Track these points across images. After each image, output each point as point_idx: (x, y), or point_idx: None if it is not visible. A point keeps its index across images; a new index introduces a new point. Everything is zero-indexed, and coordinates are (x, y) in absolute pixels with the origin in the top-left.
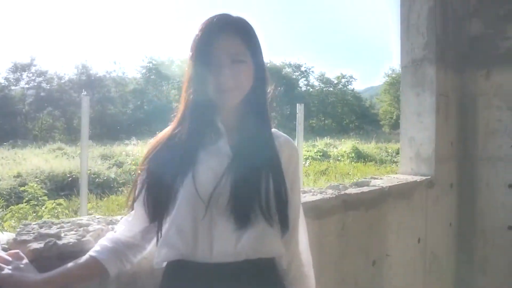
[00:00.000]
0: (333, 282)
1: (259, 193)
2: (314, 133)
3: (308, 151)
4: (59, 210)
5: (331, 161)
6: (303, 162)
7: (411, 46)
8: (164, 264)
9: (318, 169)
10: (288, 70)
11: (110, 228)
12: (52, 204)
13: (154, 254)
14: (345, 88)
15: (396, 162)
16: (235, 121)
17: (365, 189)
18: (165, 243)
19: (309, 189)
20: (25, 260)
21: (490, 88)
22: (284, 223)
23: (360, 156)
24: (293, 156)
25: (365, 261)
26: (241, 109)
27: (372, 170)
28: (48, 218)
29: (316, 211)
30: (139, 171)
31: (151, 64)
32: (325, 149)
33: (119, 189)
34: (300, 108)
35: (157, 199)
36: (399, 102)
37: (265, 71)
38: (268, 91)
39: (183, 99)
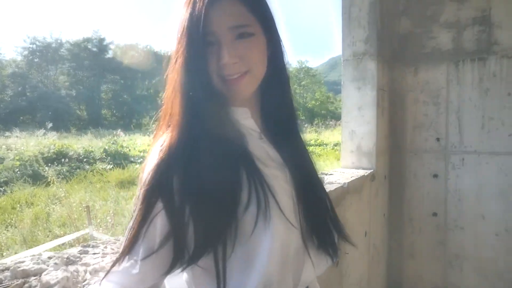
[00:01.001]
0: None
1: (328, 211)
2: None
3: None
4: None
5: None
6: None
7: (352, 40)
8: None
9: None
10: None
11: (74, 274)
12: None
13: None
14: None
15: None
16: (255, 116)
17: (331, 187)
18: None
19: None
20: None
21: (418, 84)
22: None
23: None
24: None
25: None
26: (260, 100)
27: None
28: None
29: None
30: (143, 201)
31: (34, 46)
32: None
33: (1, 189)
34: None
35: (215, 235)
36: (295, 95)
37: (282, 46)
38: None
39: (175, 97)
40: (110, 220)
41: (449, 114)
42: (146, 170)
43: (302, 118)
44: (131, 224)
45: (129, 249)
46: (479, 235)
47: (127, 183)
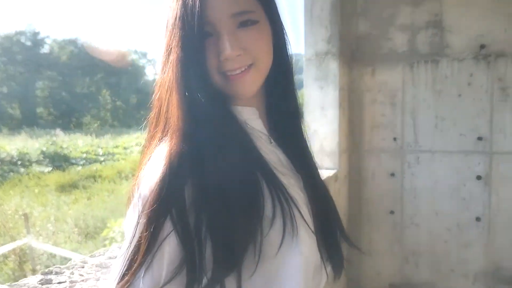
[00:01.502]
0: None
1: (336, 219)
2: None
3: None
4: None
5: None
6: None
7: (314, 39)
8: None
9: None
10: (135, 57)
11: None
12: None
13: None
14: None
15: None
16: (262, 116)
17: None
18: None
19: None
20: None
21: (375, 84)
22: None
23: None
24: None
25: None
26: (265, 97)
27: None
28: None
29: None
30: (148, 224)
31: None
32: None
33: None
34: None
35: (240, 254)
36: None
37: (286, 36)
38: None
39: (171, 98)
40: (51, 228)
41: (405, 114)
42: (145, 188)
43: None
44: (128, 253)
45: (128, 285)
46: (433, 231)
47: (69, 187)
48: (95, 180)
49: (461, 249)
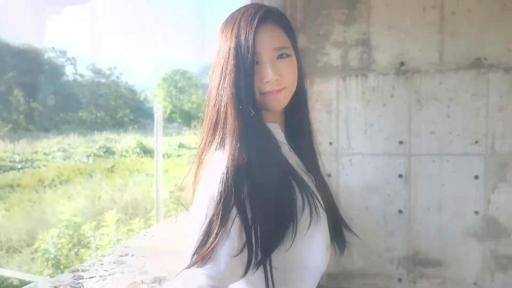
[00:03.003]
0: None
1: (336, 207)
2: (87, 127)
3: (89, 147)
4: None
5: (116, 157)
6: (86, 160)
7: None
8: None
9: (104, 167)
10: (52, 55)
11: None
12: None
13: None
14: (118, 80)
15: (180, 156)
16: (283, 130)
17: None
18: None
19: None
20: None
21: (313, 94)
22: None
23: (146, 151)
24: None
25: None
26: (284, 116)
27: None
28: None
29: None
30: (220, 206)
31: None
32: (107, 144)
33: None
34: (158, 107)
35: (281, 236)
36: (171, 97)
37: (303, 69)
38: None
39: (228, 110)
40: None
41: (339, 121)
42: (213, 187)
43: (179, 121)
44: (203, 229)
45: (211, 252)
46: (364, 224)
47: None
48: (13, 190)
49: (387, 238)
